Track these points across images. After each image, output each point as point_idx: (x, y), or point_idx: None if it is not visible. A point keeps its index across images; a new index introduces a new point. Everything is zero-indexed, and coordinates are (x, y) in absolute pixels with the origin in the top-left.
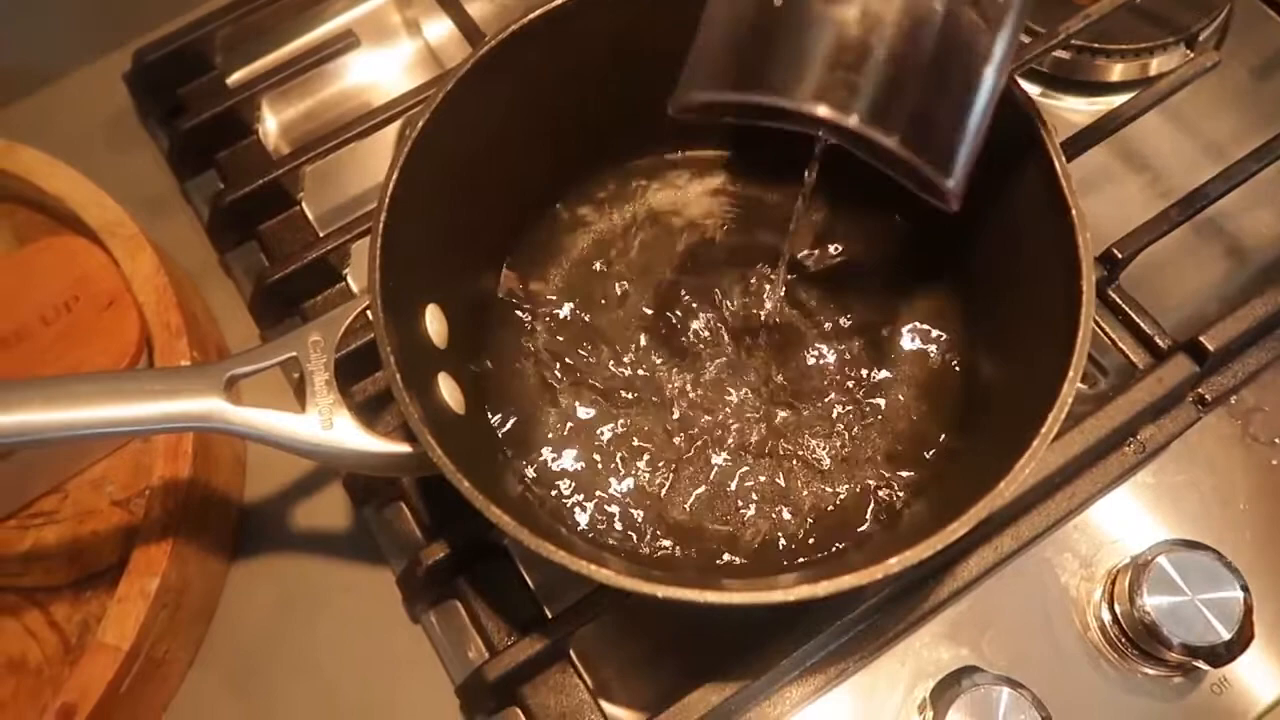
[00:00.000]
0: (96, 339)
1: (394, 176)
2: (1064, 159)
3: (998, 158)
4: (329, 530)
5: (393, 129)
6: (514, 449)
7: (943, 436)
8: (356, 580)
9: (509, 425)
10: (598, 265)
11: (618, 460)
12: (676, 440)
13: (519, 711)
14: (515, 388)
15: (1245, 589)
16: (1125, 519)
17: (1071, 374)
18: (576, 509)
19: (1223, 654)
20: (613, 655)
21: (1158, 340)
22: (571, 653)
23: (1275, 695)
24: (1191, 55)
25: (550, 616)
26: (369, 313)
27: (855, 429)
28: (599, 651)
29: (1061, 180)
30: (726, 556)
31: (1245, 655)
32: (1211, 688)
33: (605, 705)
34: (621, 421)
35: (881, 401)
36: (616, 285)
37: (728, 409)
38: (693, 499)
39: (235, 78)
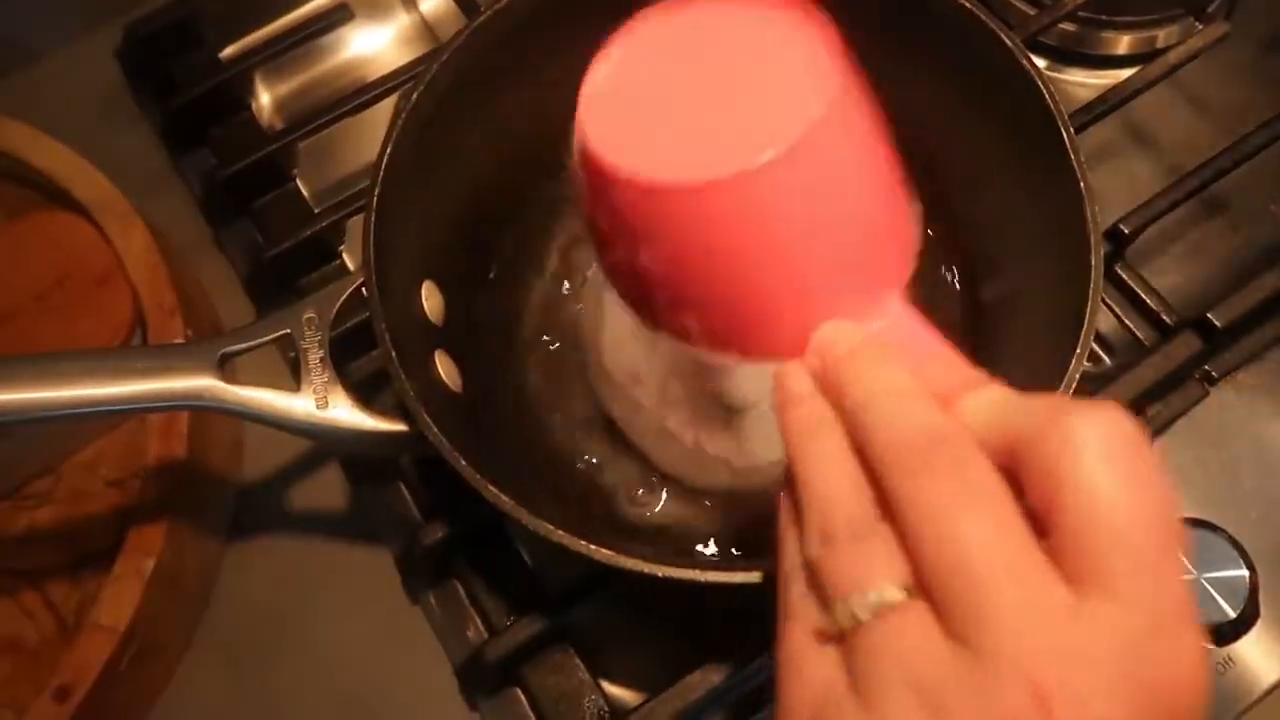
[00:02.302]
0: (88, 317)
1: (387, 151)
2: (1072, 131)
3: (1003, 130)
4: (327, 510)
5: (388, 104)
6: (513, 426)
7: None
8: (354, 561)
9: (508, 402)
10: None
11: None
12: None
13: (519, 692)
14: (514, 363)
15: (1251, 568)
16: None
17: (1079, 351)
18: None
19: (1228, 633)
20: (613, 635)
21: (1164, 317)
22: (572, 633)
23: None
24: (1200, 27)
25: (550, 596)
26: (364, 289)
27: None
28: (599, 631)
29: (1070, 153)
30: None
31: (1250, 634)
32: (1216, 667)
33: (605, 685)
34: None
35: None
36: None
37: None
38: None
39: (228, 52)
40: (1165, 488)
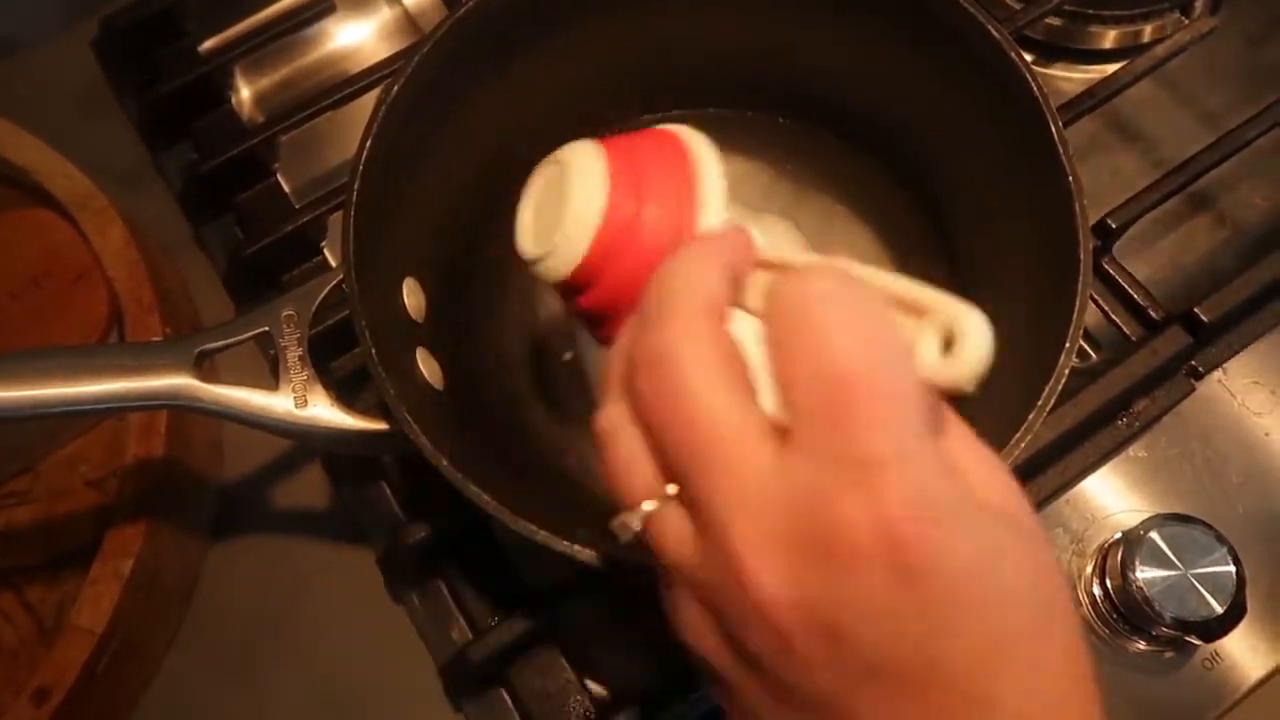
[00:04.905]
0: (66, 315)
1: (366, 145)
2: (1060, 124)
3: (990, 124)
4: (309, 510)
5: (371, 97)
6: (495, 424)
7: None
8: (337, 561)
9: (491, 400)
10: None
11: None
12: None
13: (503, 692)
14: (498, 361)
15: (1238, 562)
16: (1117, 493)
17: (1068, 345)
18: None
19: (1215, 628)
20: (599, 635)
21: (1151, 312)
22: (556, 633)
23: (1266, 670)
24: (1186, 22)
25: (535, 596)
26: (344, 286)
27: None
28: (585, 631)
29: (1058, 146)
30: None
31: (1237, 630)
32: (1203, 663)
33: (591, 685)
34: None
35: None
36: None
37: None
38: None
39: (208, 45)
40: (884, 344)
